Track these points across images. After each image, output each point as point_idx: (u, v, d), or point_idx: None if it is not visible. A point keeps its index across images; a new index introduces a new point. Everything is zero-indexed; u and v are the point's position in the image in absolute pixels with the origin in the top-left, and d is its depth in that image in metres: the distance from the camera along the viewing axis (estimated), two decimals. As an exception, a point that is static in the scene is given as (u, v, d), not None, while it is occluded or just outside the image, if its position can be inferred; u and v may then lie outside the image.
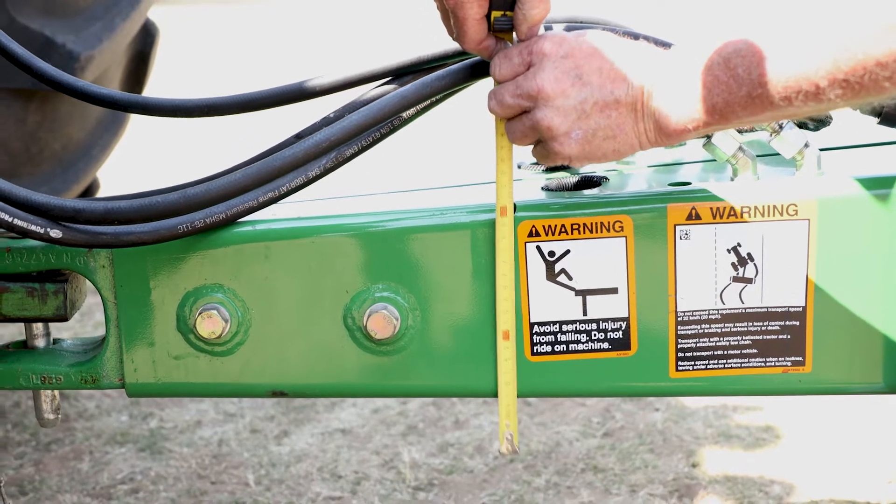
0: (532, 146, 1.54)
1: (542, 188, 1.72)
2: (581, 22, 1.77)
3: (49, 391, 1.78)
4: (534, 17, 1.48)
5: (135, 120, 3.19)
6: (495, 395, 1.65)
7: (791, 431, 3.23)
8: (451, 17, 1.50)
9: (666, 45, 1.57)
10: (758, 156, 1.74)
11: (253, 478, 2.99)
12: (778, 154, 1.75)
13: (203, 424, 3.32)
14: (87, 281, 1.73)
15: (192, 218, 1.62)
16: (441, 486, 2.94)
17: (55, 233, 1.56)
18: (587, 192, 1.70)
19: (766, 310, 1.64)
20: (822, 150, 1.71)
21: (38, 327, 1.76)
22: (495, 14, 1.50)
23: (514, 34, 1.52)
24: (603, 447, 3.13)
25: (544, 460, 3.06)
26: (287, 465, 3.06)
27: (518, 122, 1.51)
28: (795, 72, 1.29)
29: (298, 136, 1.78)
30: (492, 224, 1.62)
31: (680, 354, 1.64)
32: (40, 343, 1.77)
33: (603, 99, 1.44)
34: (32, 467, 3.06)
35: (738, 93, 1.35)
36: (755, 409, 3.39)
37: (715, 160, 1.83)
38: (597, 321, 1.63)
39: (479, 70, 1.60)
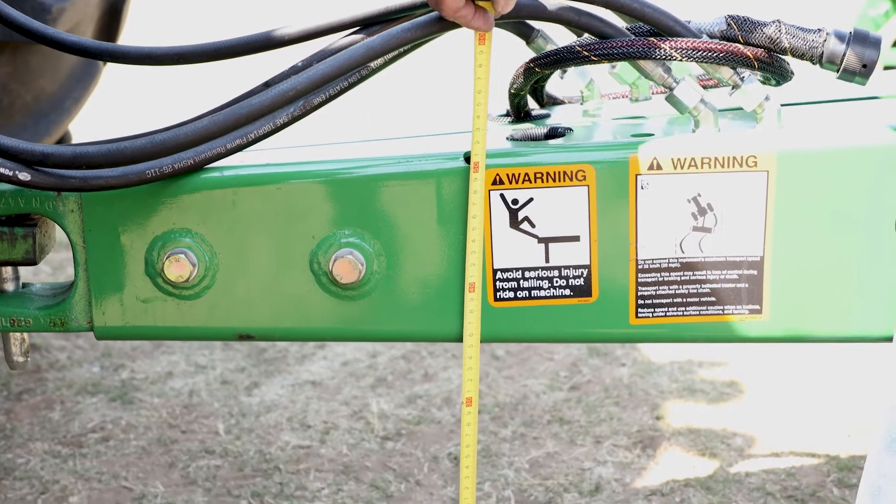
0: None
1: (508, 138, 1.75)
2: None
3: (18, 334, 1.80)
4: None
5: (107, 74, 3.18)
6: (459, 340, 1.68)
7: (754, 386, 3.29)
8: None
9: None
10: (720, 111, 1.77)
11: (223, 427, 3.02)
12: (740, 109, 1.78)
13: (174, 376, 3.35)
14: (57, 227, 1.75)
15: (161, 163, 1.64)
16: (409, 436, 2.98)
17: (24, 176, 1.58)
18: (552, 142, 1.72)
19: (724, 259, 1.67)
20: (783, 105, 1.75)
21: (7, 271, 1.78)
22: None
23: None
24: (569, 400, 3.18)
25: (511, 412, 3.11)
26: (257, 415, 3.09)
27: None
28: None
29: (266, 85, 1.80)
30: (457, 172, 1.65)
31: (640, 302, 1.68)
32: (9, 287, 1.79)
33: None
34: (3, 416, 3.08)
35: None
36: (720, 364, 3.45)
37: (678, 115, 1.86)
38: (559, 268, 1.66)
39: (447, 21, 1.62)
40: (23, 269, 1.80)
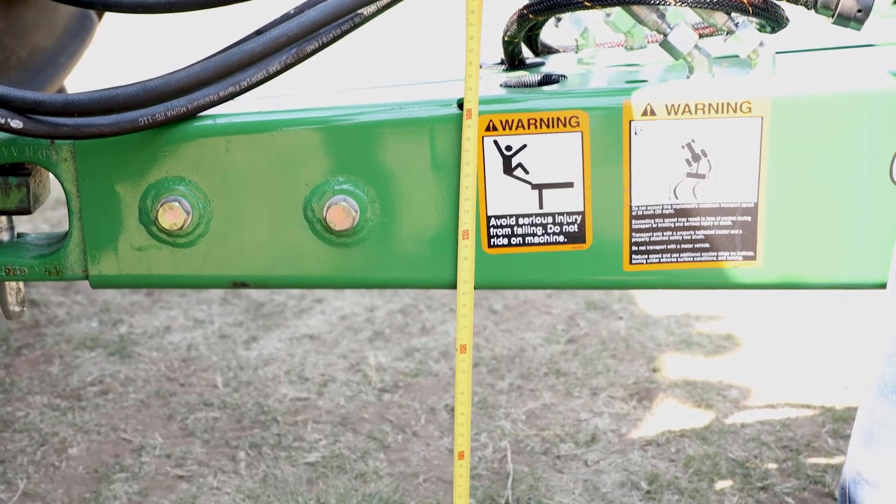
0: None
1: (502, 85, 1.75)
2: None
3: (14, 283, 1.80)
4: None
5: (102, 30, 3.17)
6: (453, 287, 1.68)
7: (751, 339, 3.30)
8: None
9: None
10: (715, 58, 1.76)
11: (221, 380, 3.04)
12: (735, 57, 1.77)
13: (172, 330, 3.36)
14: (53, 179, 1.75)
15: (153, 111, 1.63)
16: (406, 388, 2.99)
17: (16, 123, 1.58)
18: (546, 88, 1.72)
19: (718, 205, 1.67)
20: (778, 53, 1.74)
21: (2, 221, 1.78)
22: None
23: None
24: (566, 353, 3.19)
25: (508, 365, 3.12)
26: (255, 368, 3.10)
27: None
28: None
29: (258, 32, 1.79)
30: (450, 119, 1.64)
31: (634, 248, 1.68)
32: (4, 237, 1.79)
33: None
34: (2, 370, 3.10)
35: None
36: (717, 318, 3.46)
37: (673, 63, 1.86)
38: (553, 215, 1.66)
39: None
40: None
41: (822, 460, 2.63)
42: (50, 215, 4.38)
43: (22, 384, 3.02)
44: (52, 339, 3.30)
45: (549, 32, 2.04)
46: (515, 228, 1.67)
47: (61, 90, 3.28)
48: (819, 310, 3.46)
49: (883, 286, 1.67)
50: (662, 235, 1.68)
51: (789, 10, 1.74)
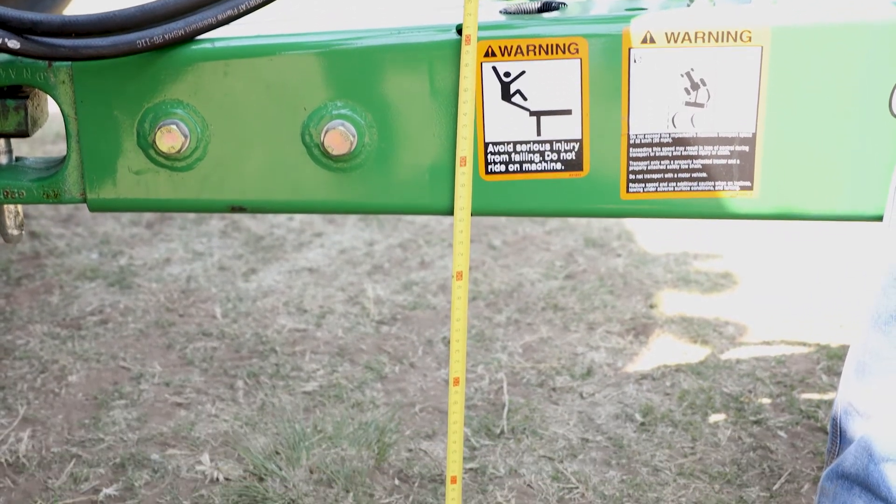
0: None
1: (501, 11, 1.74)
2: None
3: (12, 207, 1.81)
4: None
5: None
6: (450, 213, 1.69)
7: (749, 278, 3.31)
8: None
9: None
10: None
11: (220, 311, 3.05)
12: (737, -14, 1.76)
13: (172, 262, 3.37)
14: (52, 104, 1.75)
15: (151, 33, 1.63)
16: (404, 320, 3.01)
17: (13, 43, 1.57)
18: (545, 15, 1.71)
19: (716, 135, 1.67)
20: (780, -18, 1.73)
21: (0, 144, 1.78)
22: None
23: None
24: (564, 288, 3.20)
25: (506, 299, 3.13)
26: (254, 299, 3.12)
27: None
28: None
29: (258, -45, 1.77)
30: (449, 45, 1.63)
31: (631, 177, 1.68)
32: (3, 160, 1.79)
33: None
34: (3, 300, 3.11)
35: None
36: (715, 256, 3.47)
37: (675, -9, 1.85)
38: (550, 142, 1.66)
39: None
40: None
41: (815, 396, 2.66)
42: (51, 148, 4.37)
43: (22, 313, 3.04)
44: (52, 269, 3.31)
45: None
46: (513, 155, 1.67)
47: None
48: (817, 249, 3.47)
49: (880, 218, 1.68)
50: (660, 164, 1.68)
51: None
